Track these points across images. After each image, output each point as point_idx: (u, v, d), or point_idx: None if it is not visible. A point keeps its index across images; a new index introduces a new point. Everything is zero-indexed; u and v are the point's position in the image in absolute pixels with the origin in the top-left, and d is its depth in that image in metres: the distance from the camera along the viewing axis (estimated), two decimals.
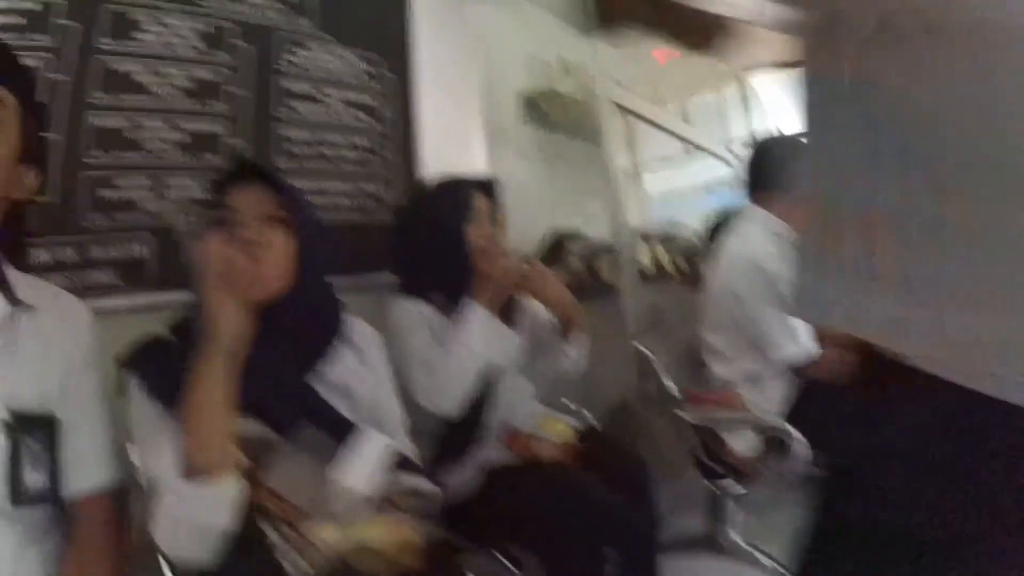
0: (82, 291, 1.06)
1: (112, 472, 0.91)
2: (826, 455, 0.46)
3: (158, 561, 0.94)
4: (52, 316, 0.87)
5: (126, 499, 0.93)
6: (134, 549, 0.93)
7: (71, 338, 0.89)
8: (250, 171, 1.08)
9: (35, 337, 0.84)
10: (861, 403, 0.42)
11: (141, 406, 0.92)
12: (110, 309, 1.12)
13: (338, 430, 0.98)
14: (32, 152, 0.88)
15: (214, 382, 0.87)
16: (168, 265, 1.30)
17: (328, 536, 0.82)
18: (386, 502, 0.94)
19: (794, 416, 1.63)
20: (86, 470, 0.88)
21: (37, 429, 0.84)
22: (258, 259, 1.00)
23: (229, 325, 0.90)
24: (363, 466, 0.91)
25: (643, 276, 2.30)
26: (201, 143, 1.39)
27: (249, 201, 1.04)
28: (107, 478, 0.90)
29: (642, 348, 1.91)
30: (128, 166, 1.27)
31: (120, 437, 0.93)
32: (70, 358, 0.88)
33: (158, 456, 0.84)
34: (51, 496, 0.84)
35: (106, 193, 1.24)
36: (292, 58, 1.59)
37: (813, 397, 1.62)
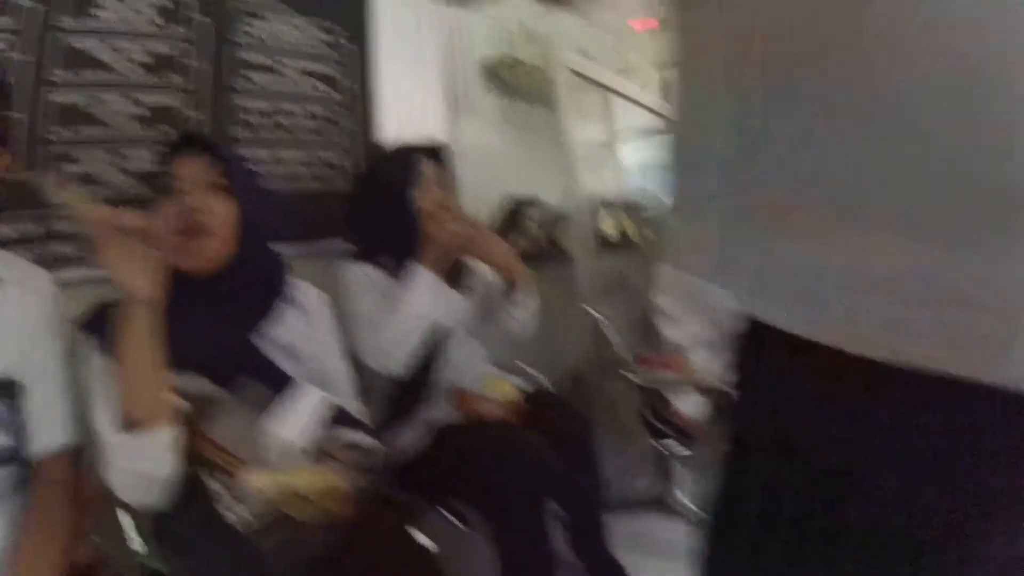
0: (46, 263, 1.19)
1: (73, 433, 1.03)
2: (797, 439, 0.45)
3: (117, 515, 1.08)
4: (17, 287, 1.00)
5: (85, 458, 1.04)
6: (96, 503, 1.05)
7: (35, 308, 1.02)
8: (194, 142, 1.21)
9: (1, 307, 0.97)
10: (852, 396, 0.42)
11: (96, 364, 1.04)
12: (72, 280, 1.24)
13: (279, 386, 1.11)
14: None
15: (137, 339, 0.96)
16: None
17: (257, 482, 0.94)
18: (324, 454, 1.09)
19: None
20: (49, 431, 1.00)
21: (2, 392, 0.95)
22: (200, 225, 1.13)
23: (136, 285, 0.96)
24: (297, 418, 1.05)
25: (607, 244, 2.44)
26: (159, 116, 1.51)
27: (192, 170, 1.17)
28: (68, 438, 1.02)
29: (594, 313, 2.06)
30: (88, 141, 1.40)
31: (81, 400, 1.06)
32: (34, 326, 1.01)
33: (105, 410, 0.97)
34: (16, 456, 0.96)
35: (68, 168, 1.37)
36: (249, 29, 1.70)
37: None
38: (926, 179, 0.38)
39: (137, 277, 0.97)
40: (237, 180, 1.20)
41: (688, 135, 0.53)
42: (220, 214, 1.17)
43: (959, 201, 0.37)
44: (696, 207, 0.51)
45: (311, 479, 0.98)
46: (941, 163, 0.37)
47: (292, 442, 1.02)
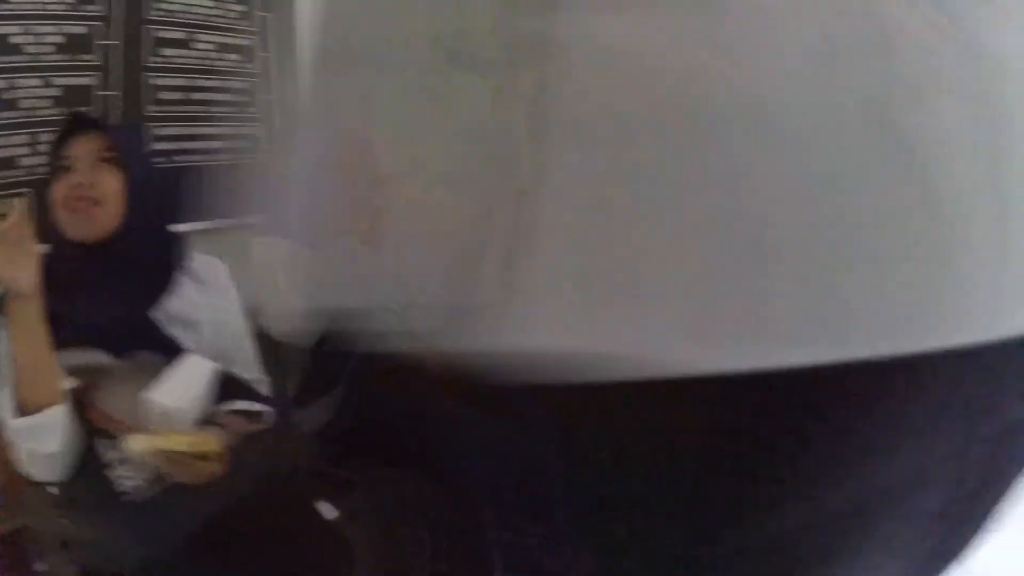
0: None
1: None
2: None
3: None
4: None
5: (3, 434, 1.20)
6: (17, 478, 1.23)
7: None
8: (85, 122, 1.41)
9: None
10: None
11: (4, 347, 1.18)
12: None
13: (172, 357, 1.30)
14: None
15: (23, 330, 1.11)
16: (45, 219, 1.69)
17: (134, 446, 1.12)
18: (209, 421, 1.29)
19: None
20: None
21: None
22: (89, 198, 1.31)
23: (13, 280, 1.09)
24: (181, 386, 1.24)
25: None
26: (73, 96, 1.74)
27: (83, 149, 1.36)
28: None
29: None
30: (6, 126, 1.65)
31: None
32: None
33: (4, 392, 1.18)
34: None
35: None
36: (163, 5, 1.91)
37: None
38: None
39: (13, 272, 1.11)
40: (124, 151, 1.38)
41: None
42: (108, 186, 1.34)
43: None
44: None
45: (187, 441, 1.16)
46: None
47: (176, 408, 1.23)
